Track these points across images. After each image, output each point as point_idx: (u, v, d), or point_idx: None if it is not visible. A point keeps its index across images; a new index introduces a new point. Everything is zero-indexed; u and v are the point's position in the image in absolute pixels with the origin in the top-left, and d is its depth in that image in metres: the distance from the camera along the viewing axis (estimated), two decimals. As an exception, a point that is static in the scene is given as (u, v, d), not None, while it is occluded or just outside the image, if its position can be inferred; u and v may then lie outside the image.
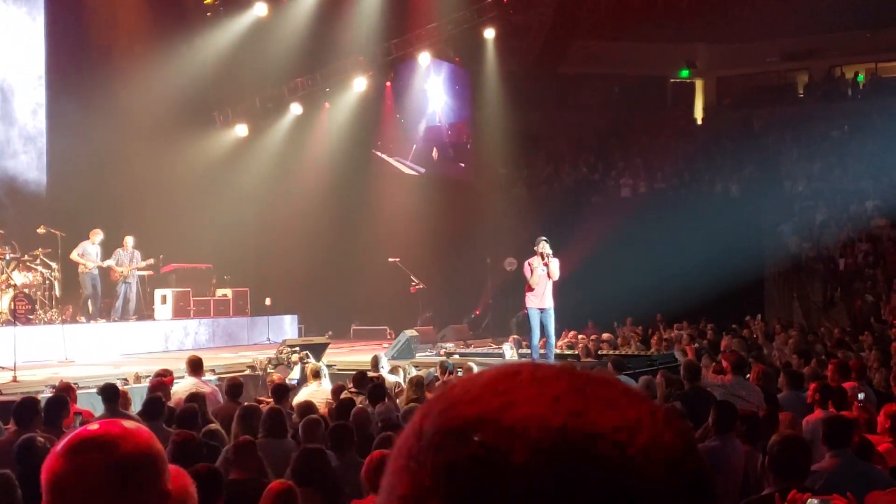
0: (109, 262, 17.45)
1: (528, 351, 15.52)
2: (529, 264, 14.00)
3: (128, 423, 1.85)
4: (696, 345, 16.53)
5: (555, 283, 14.05)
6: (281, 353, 14.09)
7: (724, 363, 10.35)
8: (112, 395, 8.65)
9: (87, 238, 17.32)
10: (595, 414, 0.77)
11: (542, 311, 13.94)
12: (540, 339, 14.42)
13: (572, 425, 0.76)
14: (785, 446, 5.15)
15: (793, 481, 4.81)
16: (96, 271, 17.34)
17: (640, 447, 0.76)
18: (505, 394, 0.78)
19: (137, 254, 18.11)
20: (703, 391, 9.00)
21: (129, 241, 18.09)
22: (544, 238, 13.99)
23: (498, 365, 0.88)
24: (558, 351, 15.48)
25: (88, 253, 17.22)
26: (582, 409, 0.77)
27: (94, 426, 1.83)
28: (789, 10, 32.37)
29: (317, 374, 11.02)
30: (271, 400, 10.18)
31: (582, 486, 0.74)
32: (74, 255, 17.09)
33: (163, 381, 9.73)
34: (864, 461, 6.06)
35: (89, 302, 17.48)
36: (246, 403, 9.21)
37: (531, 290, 13.95)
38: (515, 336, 17.72)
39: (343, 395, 9.76)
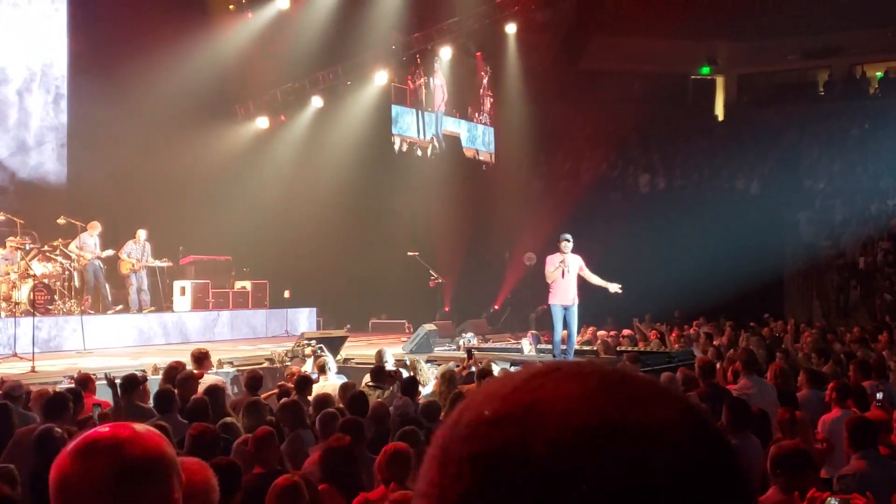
0: (108, 252, 17.49)
1: (548, 346, 15.52)
2: (550, 260, 13.98)
3: (139, 427, 1.83)
4: (716, 342, 16.48)
5: (578, 279, 14.00)
6: (298, 346, 14.13)
7: (737, 364, 10.31)
8: (133, 386, 8.64)
9: (86, 230, 17.37)
10: (622, 411, 0.77)
11: (565, 307, 13.90)
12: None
13: (597, 421, 0.76)
14: (786, 451, 5.17)
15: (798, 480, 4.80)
16: (97, 262, 17.40)
17: (665, 445, 0.76)
18: (537, 390, 0.80)
19: (149, 247, 18.16)
20: (719, 389, 8.97)
21: (142, 234, 18.15)
22: (566, 237, 13.96)
23: (543, 362, 0.90)
24: (577, 347, 15.42)
25: (87, 244, 17.28)
26: (609, 406, 0.77)
27: (104, 428, 1.81)
28: (811, 8, 32.16)
29: (322, 369, 11.04)
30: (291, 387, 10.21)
31: (601, 481, 0.73)
32: (73, 247, 17.16)
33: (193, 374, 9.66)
34: (894, 461, 6.04)
35: (102, 291, 17.56)
36: (258, 395, 9.21)
37: (553, 286, 13.93)
38: (534, 331, 17.69)
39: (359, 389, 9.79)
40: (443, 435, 0.82)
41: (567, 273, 13.73)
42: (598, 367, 0.84)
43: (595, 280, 14.12)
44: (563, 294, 13.84)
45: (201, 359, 10.76)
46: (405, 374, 11.58)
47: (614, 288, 14.11)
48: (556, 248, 13.96)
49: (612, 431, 0.76)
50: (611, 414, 0.77)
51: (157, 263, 18.40)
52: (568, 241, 13.81)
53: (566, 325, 14.07)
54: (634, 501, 0.74)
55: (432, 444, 0.83)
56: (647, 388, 0.81)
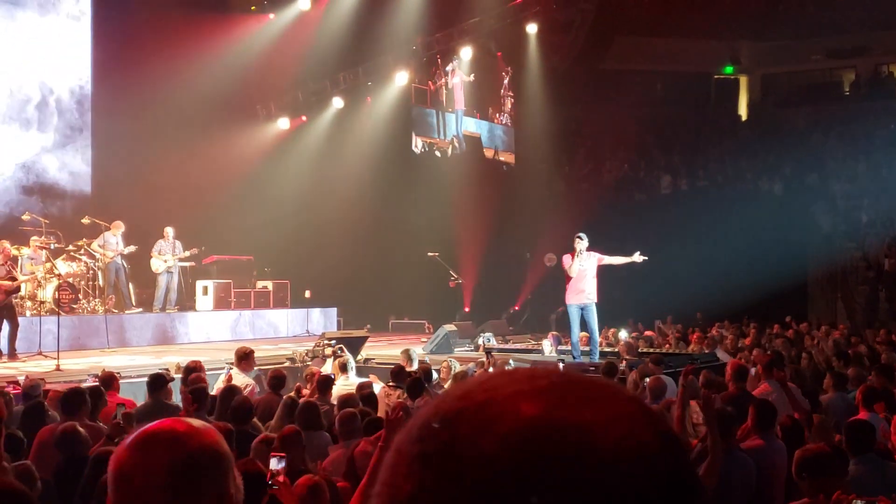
0: (131, 248, 17.58)
1: (568, 347, 15.45)
2: (565, 259, 13.96)
3: (195, 422, 1.85)
4: (739, 344, 16.40)
5: (598, 279, 13.97)
6: (318, 346, 14.14)
7: (759, 367, 10.23)
8: (159, 385, 8.65)
9: (109, 229, 17.46)
10: (571, 409, 0.79)
11: (581, 307, 13.85)
12: (581, 336, 14.33)
13: (545, 418, 0.77)
14: (811, 454, 5.17)
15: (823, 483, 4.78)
16: (119, 259, 17.49)
17: (611, 442, 0.76)
18: (490, 391, 0.81)
19: (179, 244, 18.27)
20: (748, 394, 8.89)
21: (170, 231, 18.25)
22: (579, 235, 13.93)
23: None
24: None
25: (109, 243, 17.39)
26: (559, 404, 0.79)
27: (163, 423, 1.83)
28: (835, 8, 31.98)
29: (343, 368, 11.03)
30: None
31: (547, 477, 0.74)
32: (95, 246, 17.28)
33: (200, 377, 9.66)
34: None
35: (123, 290, 17.66)
36: (280, 394, 9.21)
37: (568, 286, 13.90)
38: (555, 332, 17.63)
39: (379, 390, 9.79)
40: (398, 438, 0.83)
41: (583, 272, 13.70)
42: (551, 370, 0.85)
43: (618, 260, 14.11)
44: (578, 293, 13.82)
45: (245, 357, 10.78)
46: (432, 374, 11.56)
47: (638, 258, 14.07)
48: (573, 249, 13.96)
49: (560, 427, 0.77)
50: (560, 411, 0.78)
51: (186, 254, 18.44)
52: (581, 239, 13.79)
53: (586, 326, 14.03)
54: (583, 494, 0.74)
55: (390, 448, 0.84)
56: (597, 388, 0.83)
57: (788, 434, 6.92)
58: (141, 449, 1.75)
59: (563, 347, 16.26)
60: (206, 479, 1.76)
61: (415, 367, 11.63)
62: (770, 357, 10.36)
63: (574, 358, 14.05)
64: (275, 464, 4.99)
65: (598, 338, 14.51)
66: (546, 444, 0.76)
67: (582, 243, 13.76)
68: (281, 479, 4.98)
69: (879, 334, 18.20)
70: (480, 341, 16.80)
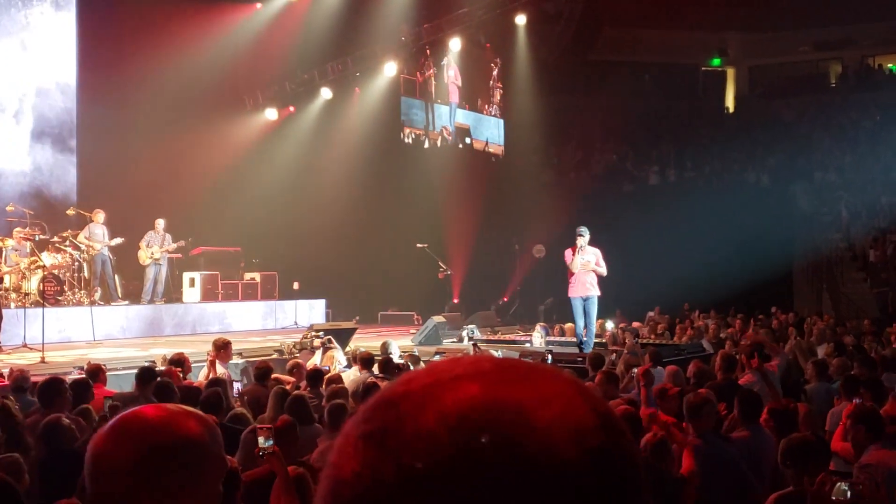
0: (118, 241, 17.51)
1: (558, 338, 15.63)
2: (566, 254, 14.06)
3: (174, 409, 1.85)
4: (723, 335, 16.46)
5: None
6: (305, 338, 14.13)
7: (742, 357, 10.27)
8: (149, 378, 8.60)
9: (93, 220, 17.39)
10: (510, 388, 0.81)
11: (584, 299, 13.98)
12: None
13: (484, 396, 0.79)
14: (795, 442, 5.22)
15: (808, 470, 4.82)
16: (106, 251, 17.42)
17: (547, 420, 0.78)
18: (437, 373, 0.84)
19: (168, 236, 18.22)
20: (735, 383, 8.93)
21: (160, 223, 18.20)
22: (579, 230, 14.01)
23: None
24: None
25: (95, 234, 17.30)
26: (498, 384, 0.81)
27: (138, 409, 1.82)
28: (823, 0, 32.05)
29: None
30: (292, 379, 10.22)
31: (482, 454, 0.76)
32: (82, 238, 17.19)
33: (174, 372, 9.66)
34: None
35: (109, 283, 17.60)
36: (277, 387, 9.20)
37: (572, 278, 14.01)
38: (543, 323, 17.66)
39: (369, 380, 9.77)
40: (347, 422, 0.85)
41: (586, 265, 13.79)
42: (495, 357, 0.88)
43: (599, 271, 14.12)
44: (581, 286, 13.99)
45: (223, 347, 10.80)
46: (412, 366, 11.56)
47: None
48: (572, 242, 14.05)
49: (498, 404, 0.79)
50: (498, 390, 0.80)
51: (174, 246, 18.38)
52: (582, 235, 13.88)
53: (586, 317, 14.17)
54: (519, 470, 0.76)
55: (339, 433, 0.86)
56: (538, 371, 0.85)
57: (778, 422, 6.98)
58: (112, 435, 1.75)
59: (552, 338, 16.30)
60: (175, 469, 1.74)
61: (395, 359, 11.64)
62: (752, 347, 10.39)
63: (581, 349, 14.07)
64: (262, 441, 5.05)
65: (593, 330, 14.59)
66: (483, 420, 0.78)
67: (583, 238, 13.87)
68: (271, 449, 5.04)
69: (864, 324, 18.28)
70: (465, 333, 16.83)
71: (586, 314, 14.16)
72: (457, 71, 25.99)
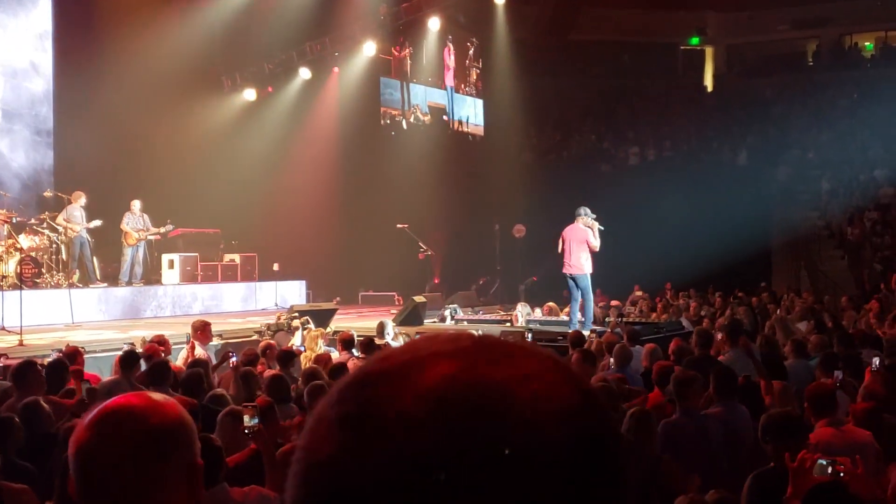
0: (96, 223, 17.40)
1: (537, 317, 15.79)
2: (589, 232, 14.17)
3: (156, 396, 1.84)
4: (703, 312, 16.56)
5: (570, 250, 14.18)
6: (280, 319, 14.12)
7: (720, 335, 10.35)
8: (132, 362, 8.54)
9: (71, 202, 17.27)
10: (489, 366, 0.79)
11: (570, 277, 14.19)
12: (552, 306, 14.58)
13: (463, 375, 0.77)
14: (774, 418, 5.25)
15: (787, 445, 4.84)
16: (84, 234, 17.32)
17: (528, 397, 0.77)
18: (414, 351, 0.82)
19: (146, 217, 18.12)
20: (712, 359, 9.00)
21: (136, 204, 18.08)
22: (586, 210, 14.18)
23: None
24: (565, 318, 15.46)
25: (74, 217, 17.18)
26: (478, 362, 0.79)
27: (122, 398, 1.81)
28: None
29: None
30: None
31: (464, 433, 0.74)
32: (60, 220, 17.06)
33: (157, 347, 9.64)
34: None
35: (87, 265, 17.50)
36: (244, 368, 9.16)
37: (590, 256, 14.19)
38: (523, 302, 17.70)
39: (351, 362, 9.77)
40: (319, 403, 0.83)
41: (568, 243, 13.98)
42: (476, 334, 0.86)
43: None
44: (564, 264, 14.10)
45: (202, 328, 10.78)
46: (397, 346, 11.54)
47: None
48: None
49: (478, 383, 0.77)
50: (478, 368, 0.78)
51: (161, 230, 18.32)
52: (579, 215, 13.98)
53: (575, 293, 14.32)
54: (500, 448, 0.74)
55: (311, 415, 0.83)
56: (518, 348, 0.83)
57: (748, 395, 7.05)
58: (100, 426, 1.73)
59: (534, 317, 16.34)
60: (169, 453, 1.75)
61: (388, 340, 11.65)
62: (731, 325, 10.46)
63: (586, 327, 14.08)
64: (248, 419, 5.06)
65: (576, 308, 14.63)
66: (463, 400, 0.76)
67: (579, 218, 14.01)
68: (256, 427, 5.06)
69: (841, 301, 18.42)
70: (447, 313, 16.85)
71: (570, 291, 14.40)
72: (451, 51, 25.94)
